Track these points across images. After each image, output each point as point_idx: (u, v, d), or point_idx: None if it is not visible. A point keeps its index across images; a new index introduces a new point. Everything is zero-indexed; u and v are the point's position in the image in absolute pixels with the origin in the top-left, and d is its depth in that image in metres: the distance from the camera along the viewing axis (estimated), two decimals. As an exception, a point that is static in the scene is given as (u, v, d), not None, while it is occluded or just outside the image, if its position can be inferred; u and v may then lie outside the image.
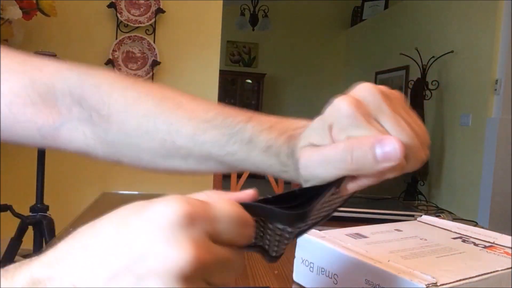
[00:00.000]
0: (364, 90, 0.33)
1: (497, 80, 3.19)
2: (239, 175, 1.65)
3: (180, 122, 0.42)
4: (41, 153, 1.80)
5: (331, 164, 0.32)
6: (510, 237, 0.59)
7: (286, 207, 0.30)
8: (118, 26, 2.62)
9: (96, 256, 0.25)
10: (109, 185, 2.62)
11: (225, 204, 0.27)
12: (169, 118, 0.43)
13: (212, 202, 0.27)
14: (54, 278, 0.25)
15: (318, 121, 0.35)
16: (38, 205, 1.77)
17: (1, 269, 0.26)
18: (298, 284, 0.59)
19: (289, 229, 0.31)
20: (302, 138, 0.36)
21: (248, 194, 0.31)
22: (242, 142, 0.40)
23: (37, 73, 0.46)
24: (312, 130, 0.35)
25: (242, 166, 0.42)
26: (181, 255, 0.24)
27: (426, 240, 0.58)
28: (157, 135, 0.43)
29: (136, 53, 2.65)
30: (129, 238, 0.24)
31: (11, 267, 0.26)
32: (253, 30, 5.56)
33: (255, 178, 0.87)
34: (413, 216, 1.01)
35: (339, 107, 0.33)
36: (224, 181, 1.62)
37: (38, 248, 1.71)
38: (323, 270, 0.55)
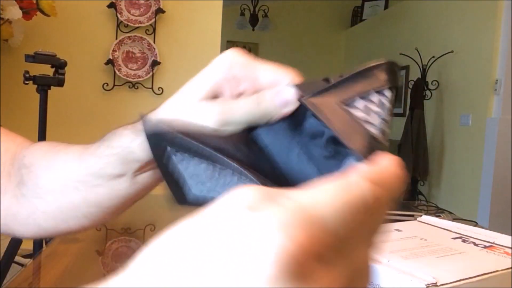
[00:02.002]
0: None
1: (497, 80, 3.20)
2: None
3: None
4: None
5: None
6: (510, 237, 0.59)
7: None
8: (118, 26, 2.62)
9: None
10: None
11: (325, 190, 0.18)
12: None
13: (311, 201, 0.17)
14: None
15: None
16: (38, 205, 1.76)
17: None
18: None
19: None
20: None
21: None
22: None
23: None
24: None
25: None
26: None
27: (426, 240, 0.58)
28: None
29: (136, 53, 2.65)
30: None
31: None
32: (253, 30, 5.56)
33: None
34: (413, 216, 1.01)
35: None
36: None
37: (38, 248, 1.71)
38: (323, 270, 0.54)
